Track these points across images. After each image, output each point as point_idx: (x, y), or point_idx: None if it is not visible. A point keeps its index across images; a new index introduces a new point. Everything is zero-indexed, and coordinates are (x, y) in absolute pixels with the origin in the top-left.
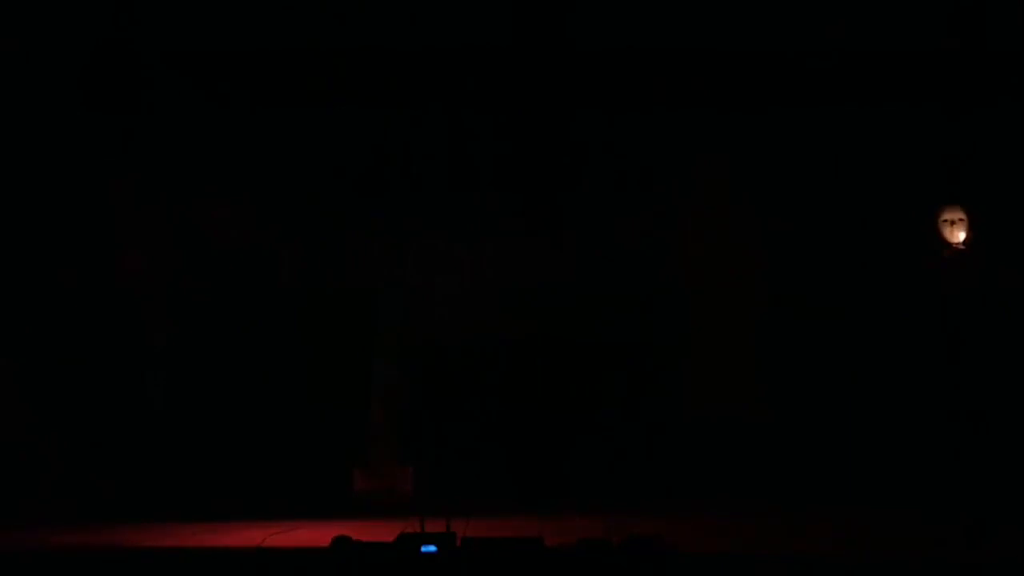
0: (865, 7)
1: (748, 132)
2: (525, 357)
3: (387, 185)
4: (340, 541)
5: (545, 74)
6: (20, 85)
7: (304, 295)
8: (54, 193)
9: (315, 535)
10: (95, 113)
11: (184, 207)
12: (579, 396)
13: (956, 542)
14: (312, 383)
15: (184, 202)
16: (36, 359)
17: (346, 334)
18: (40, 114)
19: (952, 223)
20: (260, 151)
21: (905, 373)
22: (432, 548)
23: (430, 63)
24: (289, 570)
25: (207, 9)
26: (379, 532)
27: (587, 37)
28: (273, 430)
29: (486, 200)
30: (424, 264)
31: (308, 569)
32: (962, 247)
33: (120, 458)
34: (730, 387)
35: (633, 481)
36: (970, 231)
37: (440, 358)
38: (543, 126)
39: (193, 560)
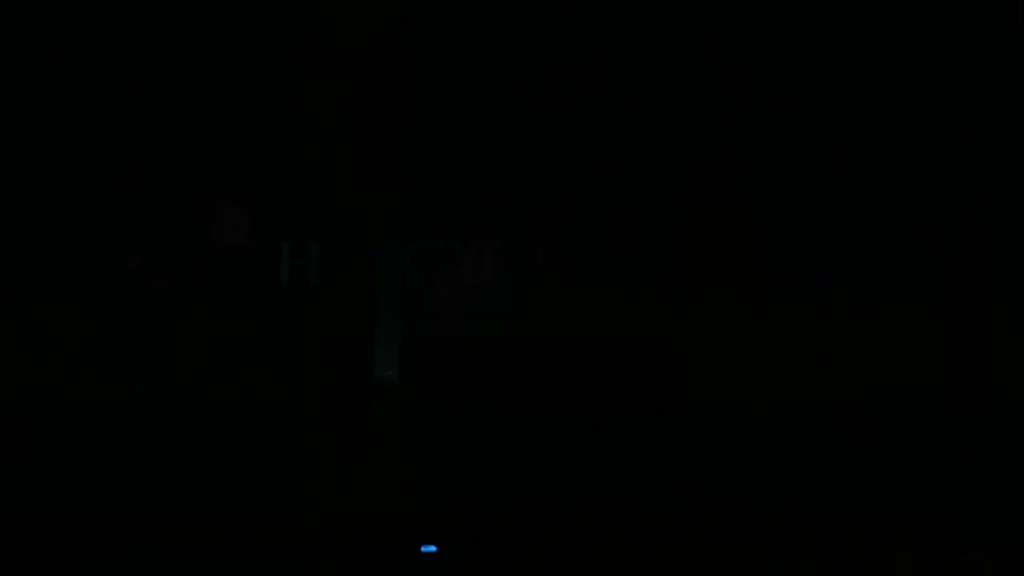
0: (865, 7)
1: (749, 132)
2: (525, 356)
3: (388, 185)
4: (340, 541)
5: (546, 73)
6: (20, 84)
7: (304, 295)
8: (54, 192)
9: (315, 535)
10: (96, 113)
11: (184, 207)
12: (579, 395)
13: (956, 542)
14: (311, 383)
15: (184, 202)
16: (36, 358)
17: (346, 334)
18: (40, 113)
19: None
20: (260, 151)
21: (906, 372)
22: (432, 548)
23: (430, 61)
24: (289, 570)
25: (206, 8)
26: (379, 532)
27: (588, 37)
28: (272, 429)
29: (486, 200)
30: (424, 264)
31: (308, 569)
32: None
33: (120, 458)
34: (730, 386)
35: (633, 481)
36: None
37: (440, 358)
38: (543, 125)
39: (193, 560)
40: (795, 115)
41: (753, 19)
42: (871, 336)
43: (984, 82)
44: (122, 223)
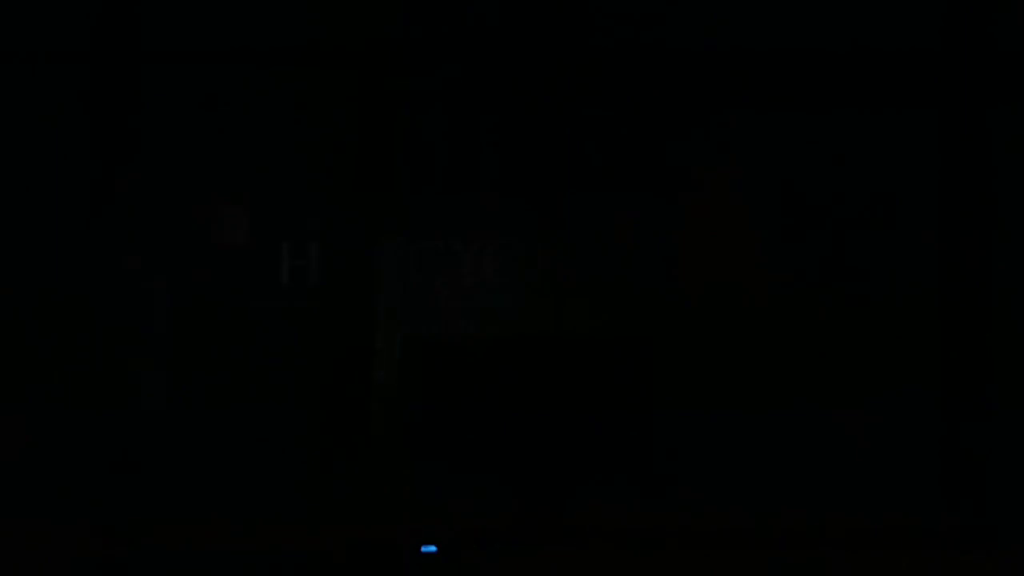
0: (865, 7)
1: (749, 132)
2: (525, 356)
3: (388, 185)
4: (340, 541)
5: (546, 73)
6: (20, 84)
7: (304, 295)
8: (54, 193)
9: (315, 535)
10: (96, 113)
11: (184, 207)
12: (579, 395)
13: (956, 542)
14: (311, 383)
15: (184, 202)
16: (36, 358)
17: (346, 334)
18: (40, 113)
19: None
20: (260, 151)
21: (906, 372)
22: (432, 548)
23: (430, 61)
24: (289, 570)
25: (206, 8)
26: (379, 532)
27: (588, 37)
28: (272, 429)
29: (486, 200)
30: (424, 264)
31: (308, 569)
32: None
33: (120, 458)
34: (730, 386)
35: (633, 481)
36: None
37: (440, 358)
38: (543, 125)
39: (193, 560)
40: (795, 115)
41: (753, 19)
42: (871, 336)
43: (984, 82)
44: (122, 223)
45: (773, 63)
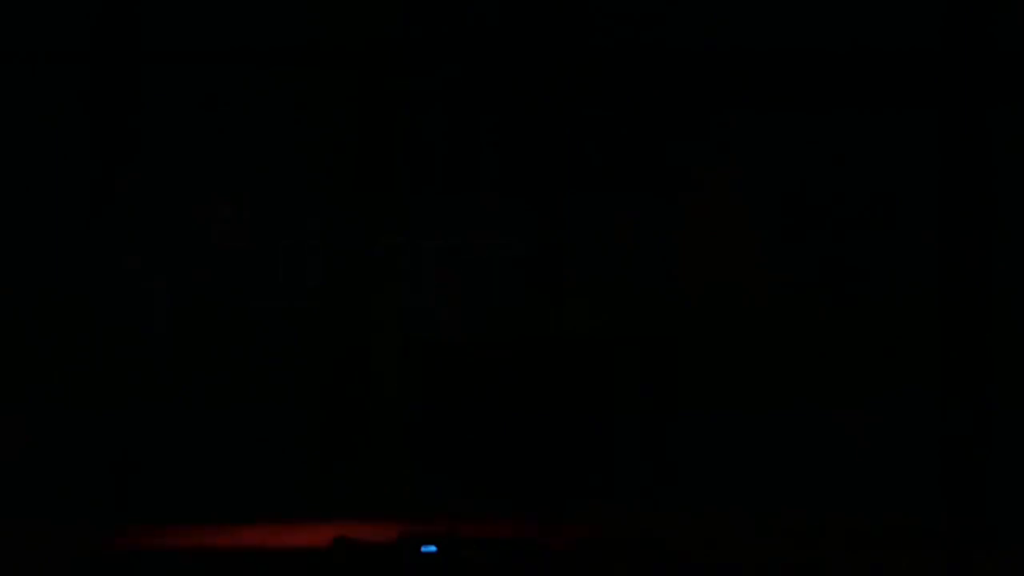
0: (865, 7)
1: (749, 132)
2: (525, 356)
3: (388, 185)
4: (340, 541)
5: (546, 73)
6: (20, 84)
7: (304, 295)
8: (55, 192)
9: (315, 535)
10: (96, 113)
11: (184, 207)
12: (579, 396)
13: (956, 542)
14: (311, 383)
15: (184, 202)
16: (36, 358)
17: (346, 334)
18: (40, 113)
19: None
20: (260, 151)
21: (906, 372)
22: (432, 548)
23: (430, 61)
24: (289, 570)
25: (206, 8)
26: (379, 532)
27: (588, 37)
28: (273, 430)
29: (486, 200)
30: (424, 264)
31: (308, 569)
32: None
33: (120, 458)
34: (730, 386)
35: (633, 481)
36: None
37: (440, 358)
38: (543, 125)
39: (194, 561)
40: (795, 115)
41: (753, 19)
42: (871, 336)
43: (984, 82)
44: (122, 223)
45: (773, 63)
